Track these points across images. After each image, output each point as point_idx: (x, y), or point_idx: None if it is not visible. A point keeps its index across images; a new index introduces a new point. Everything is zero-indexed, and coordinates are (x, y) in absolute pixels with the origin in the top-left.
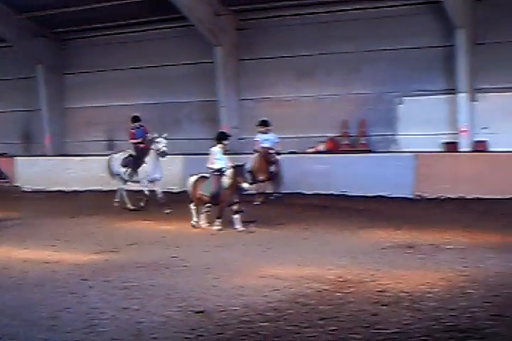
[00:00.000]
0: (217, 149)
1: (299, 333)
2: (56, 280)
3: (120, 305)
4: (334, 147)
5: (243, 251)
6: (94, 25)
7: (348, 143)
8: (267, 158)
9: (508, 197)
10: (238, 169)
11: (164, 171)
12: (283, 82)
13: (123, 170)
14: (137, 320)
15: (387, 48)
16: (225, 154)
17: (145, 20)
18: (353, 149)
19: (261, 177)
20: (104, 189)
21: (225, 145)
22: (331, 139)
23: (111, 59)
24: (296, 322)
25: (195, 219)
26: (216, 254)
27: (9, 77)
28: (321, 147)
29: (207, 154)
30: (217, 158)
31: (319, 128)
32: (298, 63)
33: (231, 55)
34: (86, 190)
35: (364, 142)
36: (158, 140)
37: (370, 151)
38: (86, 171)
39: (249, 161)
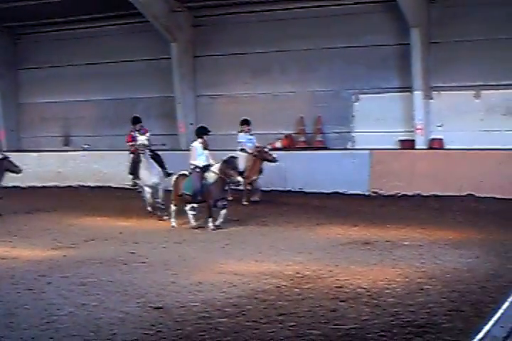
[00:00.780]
0: (197, 144)
1: (258, 329)
2: (13, 276)
3: (78, 301)
4: (291, 144)
5: (202, 248)
6: (48, 20)
7: (304, 140)
8: (265, 157)
9: (463, 194)
10: (230, 162)
11: (118, 167)
12: (239, 78)
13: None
14: (96, 316)
15: (343, 46)
16: (206, 149)
17: (101, 15)
18: (309, 146)
19: (254, 177)
20: (61, 185)
21: (204, 140)
22: (288, 136)
23: (66, 54)
24: (255, 318)
25: (173, 219)
26: (175, 250)
27: None
28: (278, 144)
29: (164, 150)
30: (198, 154)
31: (275, 125)
32: (253, 60)
33: (187, 51)
34: (43, 186)
35: (320, 139)
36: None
37: (326, 148)
38: (42, 167)
39: (240, 161)
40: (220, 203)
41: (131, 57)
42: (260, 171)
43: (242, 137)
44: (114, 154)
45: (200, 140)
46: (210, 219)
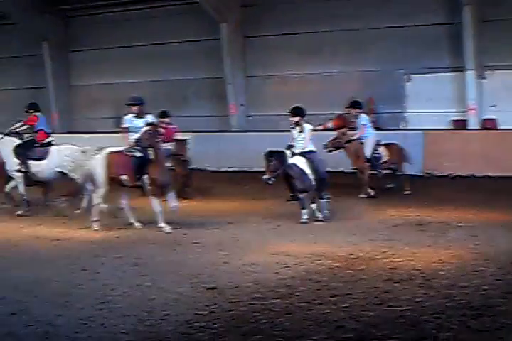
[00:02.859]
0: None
1: (311, 310)
2: (68, 257)
3: (132, 281)
4: (343, 124)
5: (254, 229)
6: (99, 2)
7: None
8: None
9: None
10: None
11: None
12: (289, 59)
13: None
14: (149, 297)
15: (395, 26)
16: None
17: None
18: None
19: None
20: None
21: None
22: (339, 116)
23: (116, 36)
24: (309, 299)
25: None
26: (227, 232)
27: (15, 54)
28: (330, 124)
29: (215, 131)
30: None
31: (327, 106)
32: (304, 40)
33: (236, 32)
34: None
35: (373, 119)
36: None
37: (378, 128)
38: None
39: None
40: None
41: (181, 39)
42: None
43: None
44: None
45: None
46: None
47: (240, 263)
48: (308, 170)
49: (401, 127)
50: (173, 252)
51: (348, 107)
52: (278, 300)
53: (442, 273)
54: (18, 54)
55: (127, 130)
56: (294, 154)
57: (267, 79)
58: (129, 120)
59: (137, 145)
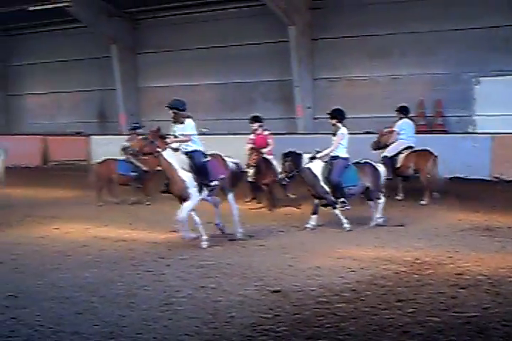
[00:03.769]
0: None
1: (376, 315)
2: (133, 258)
3: (197, 283)
4: None
5: (320, 232)
6: (167, 5)
7: (424, 123)
8: None
9: None
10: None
11: (239, 152)
12: (357, 61)
13: None
14: (214, 299)
15: (463, 28)
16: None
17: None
18: (429, 130)
19: None
20: None
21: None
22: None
23: (184, 38)
24: (374, 304)
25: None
26: (292, 235)
27: (85, 56)
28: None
29: (281, 134)
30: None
31: (394, 109)
32: (372, 43)
33: (304, 34)
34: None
35: (441, 123)
36: None
37: (446, 132)
38: None
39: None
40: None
41: (248, 41)
42: None
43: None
44: (233, 138)
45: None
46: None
47: (305, 267)
48: (320, 177)
49: (469, 131)
50: (238, 255)
51: (396, 111)
52: (343, 304)
53: (510, 279)
54: (88, 56)
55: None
56: (313, 158)
57: (334, 82)
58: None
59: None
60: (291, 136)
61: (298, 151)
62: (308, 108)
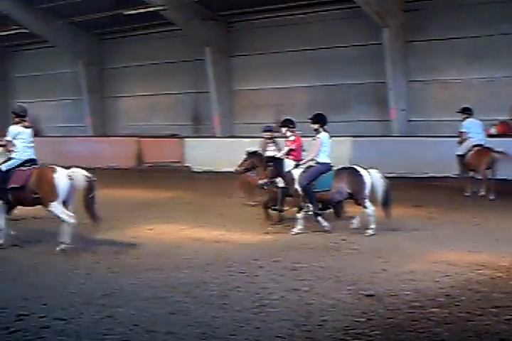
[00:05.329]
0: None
1: (471, 321)
2: (226, 259)
3: (290, 285)
4: (506, 130)
5: (413, 236)
6: (260, 8)
7: None
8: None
9: None
10: None
11: (332, 154)
12: (452, 63)
13: None
14: (307, 302)
15: None
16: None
17: (311, 2)
18: None
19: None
20: None
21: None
22: (503, 122)
23: (277, 41)
24: (469, 309)
25: None
26: (385, 238)
27: (179, 59)
28: (492, 130)
29: (375, 136)
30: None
31: (490, 111)
32: (468, 45)
33: (398, 37)
34: None
35: None
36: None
37: None
38: None
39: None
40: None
41: (341, 43)
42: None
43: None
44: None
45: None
46: None
47: (399, 271)
48: (296, 181)
49: None
50: (331, 258)
51: (459, 112)
52: (437, 309)
53: None
54: (182, 59)
55: None
56: (298, 165)
57: (429, 84)
58: None
59: None
60: (385, 139)
61: (279, 156)
62: (402, 110)
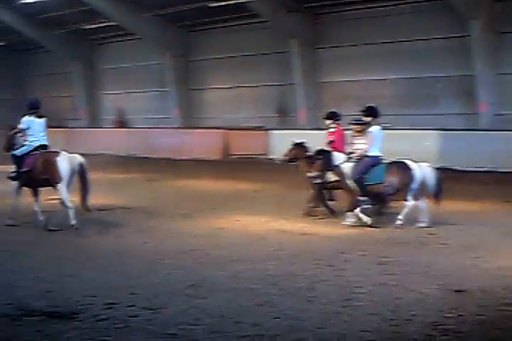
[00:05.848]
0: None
1: None
2: (313, 252)
3: (377, 279)
4: None
5: (504, 231)
6: (346, 0)
7: None
8: None
9: None
10: None
11: (418, 147)
12: None
13: None
14: (394, 296)
15: None
16: None
17: None
18: None
19: None
20: None
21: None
22: None
23: (364, 33)
24: None
25: None
26: (473, 233)
27: (264, 51)
28: None
29: (463, 130)
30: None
31: None
32: None
33: (488, 28)
34: None
35: None
36: None
37: None
38: None
39: None
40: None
41: (428, 35)
42: None
43: None
44: (413, 133)
45: None
46: None
47: (489, 267)
48: (347, 174)
49: None
50: (420, 252)
51: None
52: None
53: None
54: (267, 51)
55: None
56: (350, 158)
57: None
58: None
59: None
60: (473, 133)
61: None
62: (491, 104)
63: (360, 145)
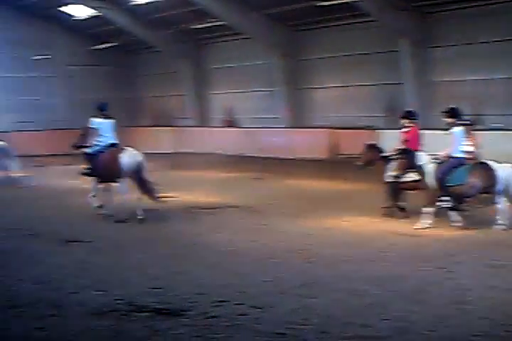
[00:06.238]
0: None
1: None
2: (422, 253)
3: (489, 283)
4: None
5: None
6: None
7: None
8: None
9: None
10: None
11: None
12: None
13: None
14: (507, 301)
15: None
16: None
17: None
18: None
19: None
20: None
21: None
22: None
23: (476, 31)
24: None
25: None
26: None
27: (372, 50)
28: None
29: None
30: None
31: None
32: None
33: None
34: None
35: None
36: None
37: None
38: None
39: None
40: None
41: None
42: None
43: None
44: None
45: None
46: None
47: None
48: (430, 174)
49: None
50: None
51: None
52: None
53: None
54: (376, 50)
55: None
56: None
57: None
58: None
59: None
60: None
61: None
62: None
63: (467, 146)
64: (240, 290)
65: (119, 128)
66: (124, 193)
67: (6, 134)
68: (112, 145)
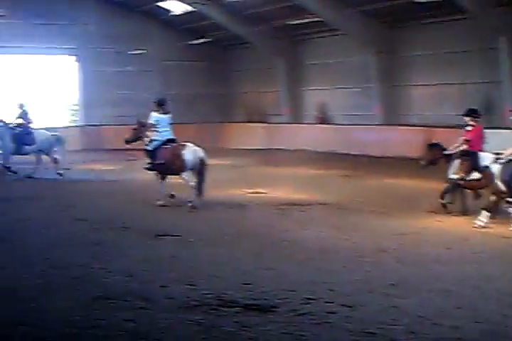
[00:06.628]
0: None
1: None
2: None
3: None
4: None
5: None
6: None
7: None
8: None
9: None
10: None
11: None
12: None
13: None
14: None
15: None
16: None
17: None
18: None
19: None
20: None
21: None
22: None
23: None
24: None
25: None
26: None
27: (470, 48)
28: None
29: None
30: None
31: None
32: None
33: None
34: None
35: None
36: None
37: None
38: None
39: None
40: None
41: None
42: None
43: None
44: None
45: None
46: None
47: None
48: (496, 175)
49: None
50: None
51: None
52: None
53: None
54: (472, 48)
55: None
56: (498, 159)
57: None
58: None
59: None
60: None
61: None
62: None
63: None
64: (329, 288)
65: (212, 124)
66: (191, 182)
67: (94, 128)
68: (170, 140)
